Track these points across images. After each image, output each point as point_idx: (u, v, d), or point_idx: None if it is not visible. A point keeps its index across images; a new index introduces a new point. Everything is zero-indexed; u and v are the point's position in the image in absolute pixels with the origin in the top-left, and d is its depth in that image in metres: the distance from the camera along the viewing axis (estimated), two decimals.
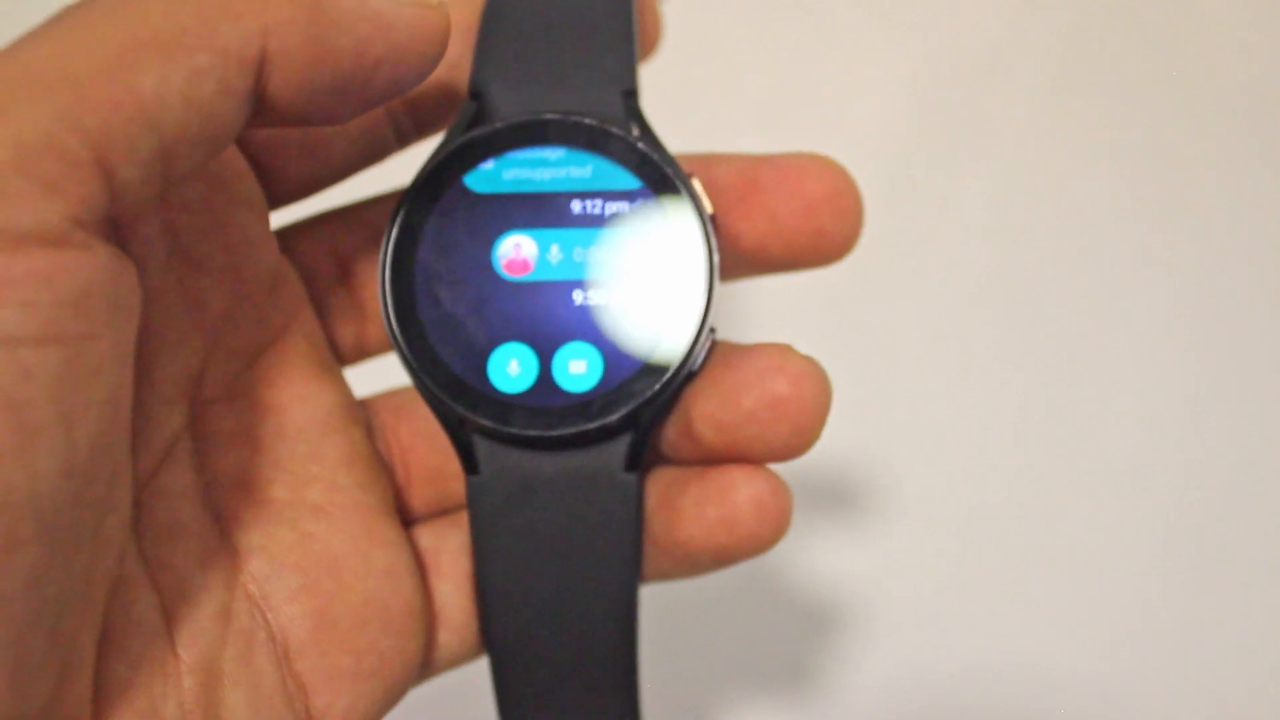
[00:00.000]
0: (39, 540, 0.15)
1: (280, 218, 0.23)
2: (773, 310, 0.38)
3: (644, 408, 0.22)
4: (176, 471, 0.20)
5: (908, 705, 0.35)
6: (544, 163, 0.23)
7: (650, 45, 0.25)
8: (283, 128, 0.19)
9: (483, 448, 0.22)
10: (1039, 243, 0.40)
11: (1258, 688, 0.35)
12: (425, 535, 0.23)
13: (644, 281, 0.22)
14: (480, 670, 0.23)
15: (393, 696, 0.22)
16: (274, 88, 0.18)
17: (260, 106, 0.18)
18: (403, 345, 0.22)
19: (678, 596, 0.35)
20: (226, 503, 0.21)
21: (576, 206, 0.22)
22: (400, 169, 0.24)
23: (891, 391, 0.38)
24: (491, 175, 0.23)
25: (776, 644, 0.36)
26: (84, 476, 0.16)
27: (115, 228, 0.17)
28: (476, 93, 0.23)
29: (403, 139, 0.24)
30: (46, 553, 0.15)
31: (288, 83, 0.18)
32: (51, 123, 0.15)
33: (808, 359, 0.22)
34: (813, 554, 0.37)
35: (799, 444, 0.21)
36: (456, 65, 0.23)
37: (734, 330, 0.37)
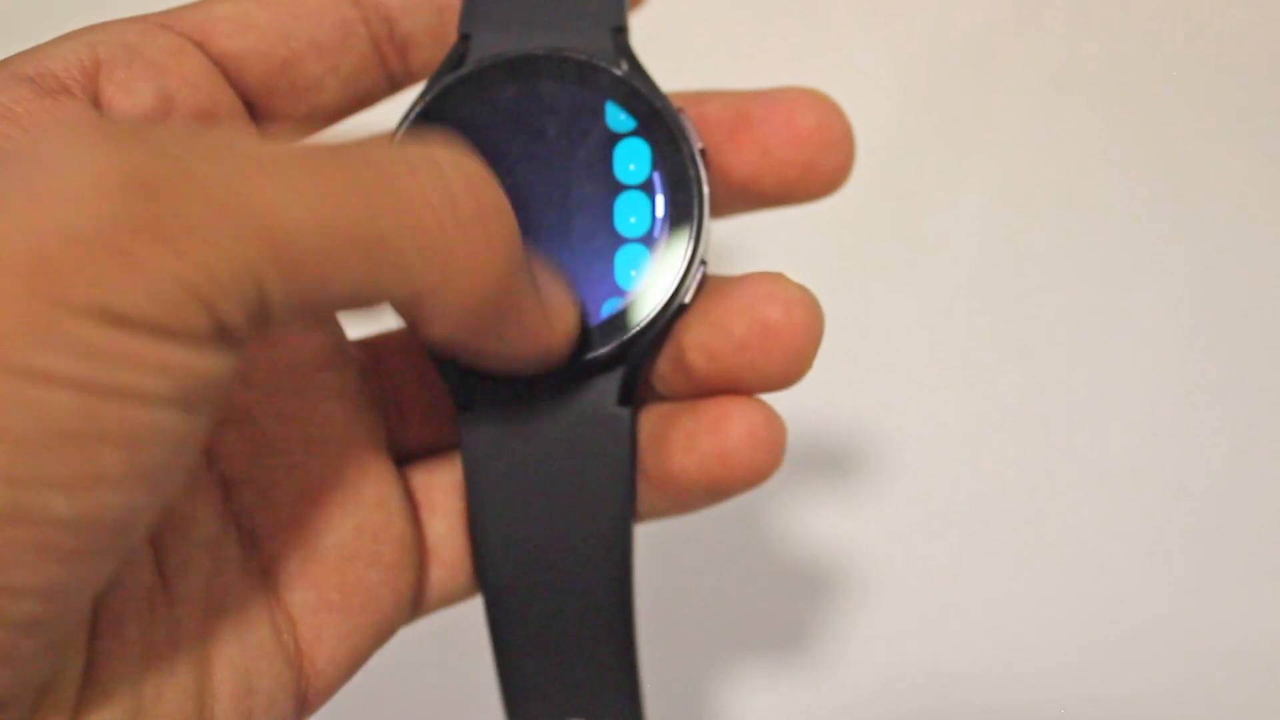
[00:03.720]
0: None
1: None
2: None
3: (635, 340, 0.22)
4: None
5: (902, 674, 0.35)
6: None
7: None
8: None
9: (475, 384, 0.22)
10: (1036, 226, 0.39)
11: (1255, 684, 0.35)
12: (419, 473, 0.23)
13: (636, 216, 0.22)
14: (475, 609, 0.23)
15: (383, 632, 0.21)
16: None
17: None
18: None
19: (675, 559, 0.35)
20: (215, 435, 0.21)
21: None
22: (390, 114, 0.24)
23: (894, 368, 0.38)
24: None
25: (772, 609, 0.36)
26: None
27: None
28: (465, 34, 0.23)
29: (394, 83, 0.24)
30: None
31: None
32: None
33: (800, 286, 0.21)
34: (810, 520, 0.36)
35: (792, 372, 0.21)
36: (447, 8, 0.23)
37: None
